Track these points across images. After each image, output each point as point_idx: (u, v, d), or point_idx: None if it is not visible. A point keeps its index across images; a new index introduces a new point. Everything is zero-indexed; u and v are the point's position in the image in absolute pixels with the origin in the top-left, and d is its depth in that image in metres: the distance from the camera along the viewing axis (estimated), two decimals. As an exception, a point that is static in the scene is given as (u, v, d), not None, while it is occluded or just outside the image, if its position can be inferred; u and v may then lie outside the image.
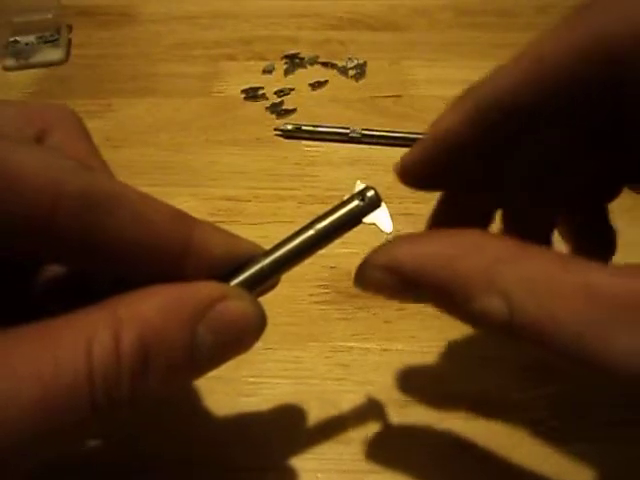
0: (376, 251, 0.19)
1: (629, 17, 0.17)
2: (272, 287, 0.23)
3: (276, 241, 0.22)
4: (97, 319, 0.16)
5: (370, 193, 0.22)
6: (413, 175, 0.22)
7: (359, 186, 0.22)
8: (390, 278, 0.18)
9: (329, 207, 0.22)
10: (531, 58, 0.19)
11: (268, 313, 0.20)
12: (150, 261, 0.18)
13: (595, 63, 0.18)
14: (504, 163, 0.21)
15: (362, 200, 0.21)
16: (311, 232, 0.21)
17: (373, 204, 0.21)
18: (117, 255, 0.18)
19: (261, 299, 0.20)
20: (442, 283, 0.17)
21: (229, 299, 0.19)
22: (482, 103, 0.20)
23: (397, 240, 0.19)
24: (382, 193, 0.21)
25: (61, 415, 0.15)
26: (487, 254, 0.17)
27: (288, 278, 0.23)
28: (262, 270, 0.21)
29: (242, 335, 0.19)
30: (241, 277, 0.21)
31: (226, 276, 0.20)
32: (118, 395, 0.16)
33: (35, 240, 0.17)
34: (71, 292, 0.21)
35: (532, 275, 0.16)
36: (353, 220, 0.21)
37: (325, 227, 0.21)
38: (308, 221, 0.22)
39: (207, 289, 0.18)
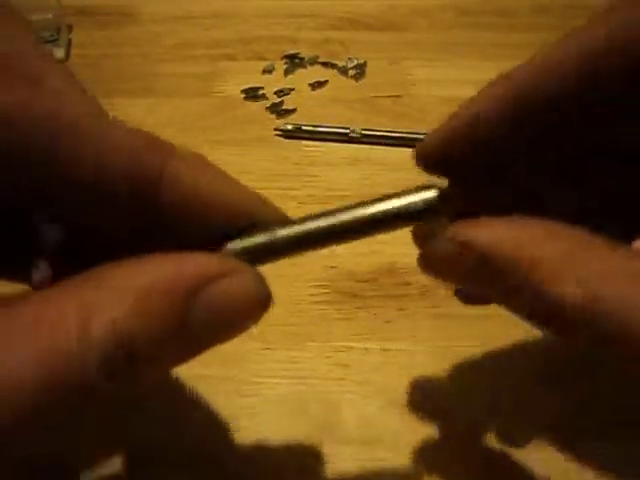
0: (450, 227, 0.19)
1: None
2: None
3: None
4: (86, 295, 0.16)
5: (430, 194, 0.18)
6: (429, 156, 0.20)
7: (430, 186, 0.18)
8: (464, 253, 0.18)
9: (383, 195, 0.18)
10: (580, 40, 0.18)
11: (268, 313, 0.20)
12: (123, 193, 0.17)
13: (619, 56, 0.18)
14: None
15: (420, 200, 0.18)
16: (348, 216, 0.18)
17: (430, 209, 0.18)
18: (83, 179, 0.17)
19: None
20: (516, 264, 0.17)
21: (229, 276, 0.17)
22: (524, 91, 0.18)
23: (470, 221, 0.18)
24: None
25: (59, 390, 0.15)
26: (563, 242, 0.17)
27: (288, 278, 0.23)
28: (273, 242, 0.18)
29: (242, 317, 0.17)
30: (243, 243, 0.18)
31: (222, 236, 0.18)
32: (110, 373, 0.16)
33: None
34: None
35: (612, 265, 0.16)
36: (402, 219, 0.18)
37: (366, 217, 0.18)
38: (348, 204, 0.18)
39: (203, 264, 0.16)
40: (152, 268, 0.16)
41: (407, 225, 0.18)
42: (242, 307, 0.17)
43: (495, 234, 0.17)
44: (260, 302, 0.17)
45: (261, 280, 0.18)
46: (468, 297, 0.24)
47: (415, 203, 0.18)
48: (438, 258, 0.19)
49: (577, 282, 0.16)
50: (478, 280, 0.18)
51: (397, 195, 0.18)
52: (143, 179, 0.17)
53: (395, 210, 0.18)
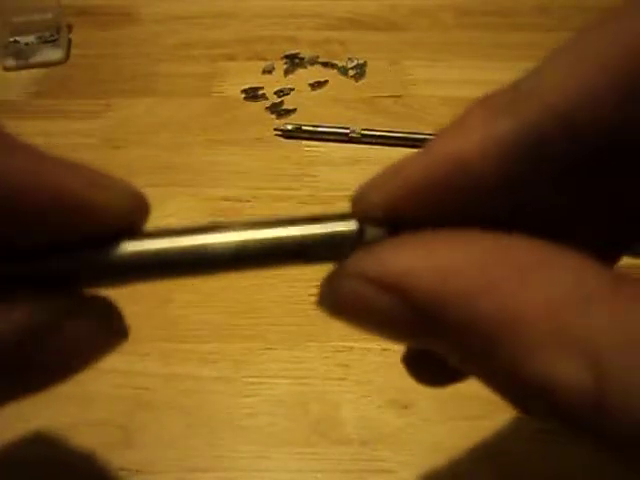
0: (357, 254, 0.12)
1: None
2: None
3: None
4: None
5: (349, 227, 0.12)
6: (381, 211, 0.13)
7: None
8: (390, 301, 0.12)
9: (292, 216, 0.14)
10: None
11: (268, 313, 0.20)
12: None
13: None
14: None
15: (335, 235, 0.13)
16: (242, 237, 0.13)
17: (342, 246, 0.13)
18: None
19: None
20: (479, 323, 0.10)
21: (57, 328, 0.13)
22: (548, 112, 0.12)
23: (394, 240, 0.12)
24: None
25: None
26: (563, 282, 0.10)
27: (288, 278, 0.23)
28: (118, 260, 0.12)
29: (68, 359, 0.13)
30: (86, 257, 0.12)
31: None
32: None
33: None
34: None
35: (621, 320, 0.10)
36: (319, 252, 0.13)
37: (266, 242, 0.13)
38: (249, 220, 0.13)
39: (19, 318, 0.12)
40: None
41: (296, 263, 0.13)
42: (78, 355, 0.13)
43: (436, 265, 0.11)
44: (105, 342, 0.14)
45: (97, 311, 0.14)
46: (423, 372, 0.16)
47: (316, 238, 0.12)
48: (343, 302, 0.13)
49: (581, 354, 0.10)
50: (415, 338, 0.12)
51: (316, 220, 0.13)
52: None
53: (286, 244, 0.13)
